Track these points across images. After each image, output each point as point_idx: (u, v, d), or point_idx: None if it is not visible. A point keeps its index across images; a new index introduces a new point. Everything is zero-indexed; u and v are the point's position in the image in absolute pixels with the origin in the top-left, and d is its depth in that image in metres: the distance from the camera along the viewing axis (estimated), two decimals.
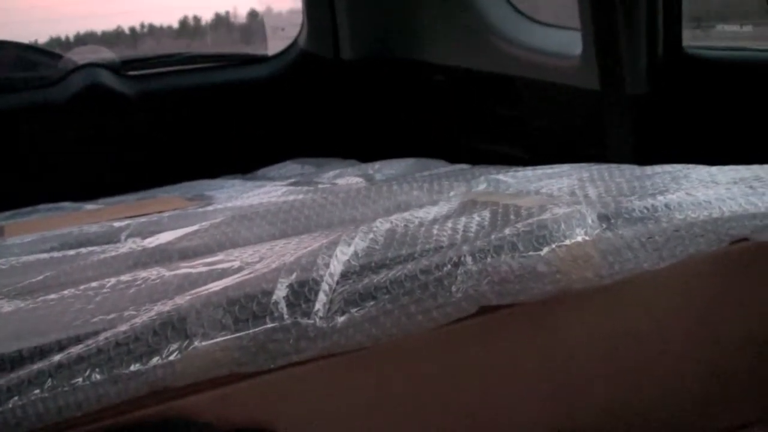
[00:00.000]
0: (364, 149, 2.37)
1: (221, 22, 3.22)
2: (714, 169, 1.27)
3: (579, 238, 1.05)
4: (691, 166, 1.32)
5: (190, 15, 3.11)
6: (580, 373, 1.09)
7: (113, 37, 3.04)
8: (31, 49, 2.61)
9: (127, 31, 3.08)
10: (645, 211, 1.10)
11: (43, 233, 1.62)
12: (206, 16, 3.19)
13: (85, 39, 2.89)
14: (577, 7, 1.81)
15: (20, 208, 2.13)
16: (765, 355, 1.20)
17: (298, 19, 2.63)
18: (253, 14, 2.97)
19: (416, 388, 1.02)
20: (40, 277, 1.18)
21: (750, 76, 1.67)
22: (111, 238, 1.48)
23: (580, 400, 1.09)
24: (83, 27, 2.90)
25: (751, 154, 1.34)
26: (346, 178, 1.94)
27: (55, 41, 2.84)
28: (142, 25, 3.14)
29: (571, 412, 1.08)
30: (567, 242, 1.04)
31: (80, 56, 2.53)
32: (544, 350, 1.08)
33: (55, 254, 1.37)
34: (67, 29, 2.86)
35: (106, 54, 2.60)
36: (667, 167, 1.33)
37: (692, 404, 1.14)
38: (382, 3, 2.51)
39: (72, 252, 1.35)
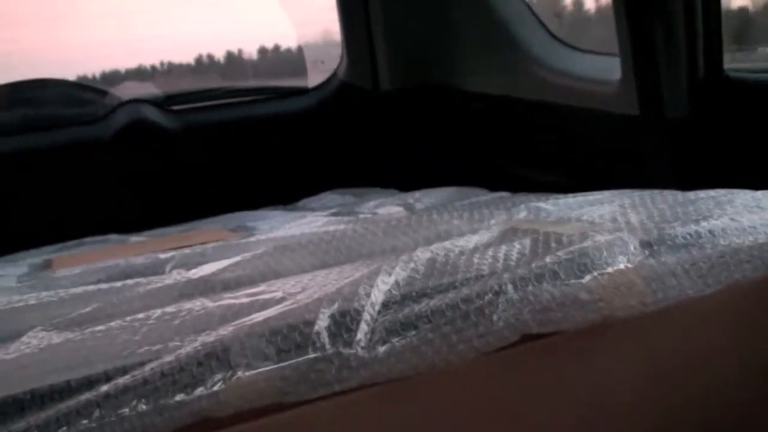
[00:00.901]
0: (403, 179, 2.38)
1: (262, 56, 3.27)
2: (759, 193, 1.26)
3: (621, 266, 1.04)
4: (734, 190, 1.30)
5: (234, 50, 3.17)
6: (623, 403, 1.08)
7: (156, 73, 3.11)
8: (77, 86, 2.68)
9: (167, 67, 3.15)
10: (688, 237, 1.09)
11: (90, 265, 1.66)
12: (248, 51, 3.25)
13: (126, 76, 2.97)
14: (615, 33, 1.80)
15: (67, 241, 2.17)
16: None
17: (337, 51, 2.67)
18: (293, 48, 3.02)
19: (458, 418, 1.01)
20: (88, 309, 1.20)
21: None
22: (156, 269, 1.51)
23: (624, 426, 1.07)
24: (123, 64, 2.98)
25: None
26: (387, 207, 1.95)
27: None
28: (182, 62, 3.21)
29: None
30: (609, 270, 1.04)
31: (125, 92, 2.59)
32: (587, 380, 1.07)
33: (103, 286, 1.39)
34: (103, 66, 2.95)
35: (150, 89, 2.66)
36: (711, 192, 1.32)
37: (738, 428, 1.12)
38: (419, 33, 2.53)
39: (119, 284, 1.37)
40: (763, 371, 1.13)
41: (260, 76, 3.23)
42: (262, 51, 3.23)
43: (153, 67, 3.06)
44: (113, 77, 2.93)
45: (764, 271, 1.09)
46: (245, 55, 3.23)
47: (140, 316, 1.08)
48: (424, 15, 2.52)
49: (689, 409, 1.10)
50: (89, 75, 2.91)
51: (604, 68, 1.94)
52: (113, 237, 2.22)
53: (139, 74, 3.00)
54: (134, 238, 2.17)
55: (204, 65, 3.15)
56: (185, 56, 3.14)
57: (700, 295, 1.06)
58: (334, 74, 2.68)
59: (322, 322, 0.97)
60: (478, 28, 2.35)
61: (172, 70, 3.10)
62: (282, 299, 1.07)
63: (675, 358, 1.10)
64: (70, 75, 2.72)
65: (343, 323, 0.98)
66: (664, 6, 1.68)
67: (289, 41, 3.04)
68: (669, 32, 1.71)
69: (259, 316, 1.00)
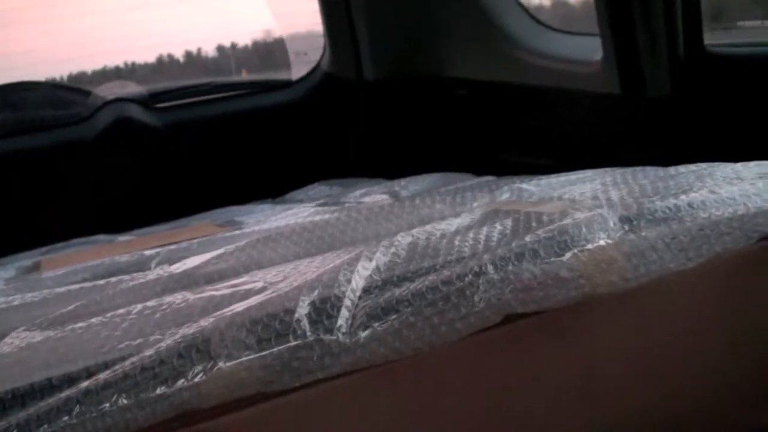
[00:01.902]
0: (390, 168, 2.37)
1: (243, 49, 3.27)
2: (738, 165, 1.25)
3: (601, 242, 1.04)
4: (715, 164, 1.30)
5: (217, 44, 3.17)
6: (607, 379, 1.08)
7: (140, 71, 3.11)
8: (60, 87, 2.67)
9: (154, 62, 3.14)
10: (668, 211, 1.09)
11: (77, 265, 1.65)
12: (228, 44, 3.24)
13: (108, 75, 2.96)
14: (595, 13, 1.80)
15: (55, 243, 2.17)
16: None
17: (320, 42, 2.66)
18: (275, 40, 3.01)
19: (442, 400, 1.01)
20: (71, 307, 1.19)
21: None
22: (141, 266, 1.51)
23: (607, 407, 1.07)
24: (103, 62, 2.98)
25: None
26: (373, 196, 1.95)
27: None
28: (170, 56, 3.20)
29: (598, 420, 1.07)
30: (589, 246, 1.04)
31: (108, 92, 2.58)
32: (571, 358, 1.07)
33: (87, 285, 1.39)
34: (83, 66, 2.94)
35: (134, 88, 2.64)
36: (692, 167, 1.31)
37: (720, 404, 1.11)
38: (401, 21, 2.52)
39: (102, 282, 1.37)
40: (747, 343, 1.13)
41: (244, 69, 3.22)
42: (244, 44, 3.22)
43: (135, 65, 3.06)
44: (95, 76, 2.92)
45: (745, 242, 1.08)
46: (226, 49, 3.23)
47: (121, 311, 1.07)
48: (406, 3, 2.51)
49: (674, 384, 1.10)
50: (66, 75, 2.91)
51: (586, 48, 1.94)
52: (101, 237, 2.22)
53: (122, 72, 3.00)
54: (122, 238, 2.16)
55: (187, 60, 3.14)
56: (173, 51, 3.13)
57: (682, 269, 1.05)
58: (318, 65, 2.67)
59: (303, 310, 0.97)
60: (461, 13, 2.34)
61: (155, 67, 3.09)
62: (263, 289, 1.07)
63: (658, 332, 1.09)
64: (49, 75, 2.72)
65: (324, 310, 0.97)
66: None
67: (271, 33, 3.03)
68: (648, 11, 1.70)
69: (239, 306, 0.99)
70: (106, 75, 2.95)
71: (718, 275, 1.11)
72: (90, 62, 2.99)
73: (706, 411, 1.10)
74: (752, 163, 1.25)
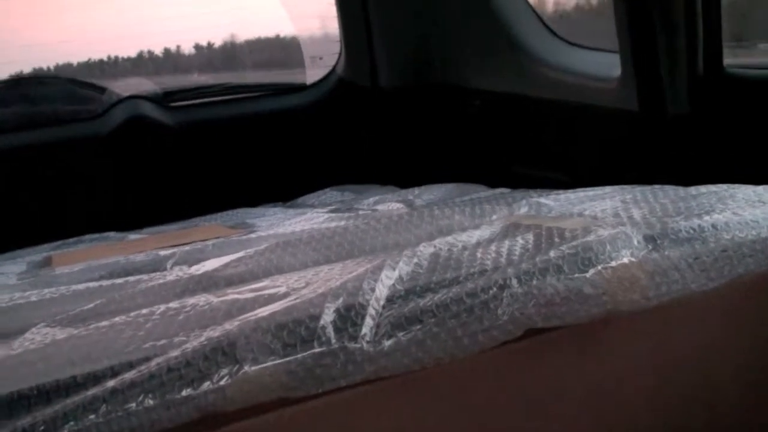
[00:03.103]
0: (402, 175, 2.38)
1: (261, 51, 3.28)
2: (760, 188, 1.26)
3: (625, 260, 1.05)
4: (735, 185, 1.30)
5: (232, 42, 3.19)
6: (626, 396, 1.08)
7: (154, 64, 3.13)
8: (76, 82, 2.68)
9: (166, 58, 3.16)
10: (691, 231, 1.09)
11: (90, 262, 1.66)
12: (247, 44, 3.26)
13: (123, 65, 2.98)
14: (615, 29, 1.81)
15: (67, 239, 2.17)
16: None
17: (336, 47, 2.67)
18: (292, 43, 3.02)
19: (462, 411, 1.02)
20: (91, 305, 1.20)
21: None
22: (157, 266, 1.51)
23: (626, 424, 1.07)
24: (116, 53, 3.00)
25: None
26: (387, 204, 1.95)
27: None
28: (180, 52, 3.22)
29: None
30: (613, 264, 1.04)
31: (123, 88, 2.59)
32: (591, 373, 1.07)
33: (104, 283, 1.39)
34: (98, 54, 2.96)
35: (149, 86, 2.65)
36: (712, 187, 1.32)
37: (739, 425, 1.12)
38: (418, 30, 2.53)
39: (120, 280, 1.37)
40: (762, 364, 1.14)
41: (258, 69, 3.24)
42: (261, 44, 3.23)
43: (151, 57, 3.07)
44: (107, 67, 2.94)
45: (766, 264, 1.09)
46: (245, 48, 3.24)
47: (144, 311, 1.08)
48: (423, 12, 2.52)
49: (693, 403, 1.10)
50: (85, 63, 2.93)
51: (605, 64, 1.94)
52: (112, 234, 2.22)
53: (137, 64, 3.02)
54: (133, 236, 2.17)
55: (203, 57, 3.16)
56: (185, 47, 3.15)
57: (703, 290, 1.06)
58: (333, 71, 2.68)
59: (328, 317, 0.97)
60: (478, 24, 2.35)
61: (170, 61, 3.11)
62: (286, 294, 1.07)
63: (678, 352, 1.10)
64: (63, 64, 2.73)
65: (348, 318, 0.98)
66: (665, 3, 1.69)
67: (287, 35, 3.05)
68: (669, 29, 1.71)
69: (264, 311, 1.00)
70: (119, 66, 2.96)
71: (740, 297, 1.11)
72: (102, 53, 3.02)
73: (720, 426, 1.11)
74: None
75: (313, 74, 2.74)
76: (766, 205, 1.17)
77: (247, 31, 3.11)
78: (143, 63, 3.19)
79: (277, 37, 3.17)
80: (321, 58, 2.77)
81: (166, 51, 3.15)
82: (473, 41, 2.40)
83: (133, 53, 3.16)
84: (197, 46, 3.24)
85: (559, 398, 1.05)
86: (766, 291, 1.12)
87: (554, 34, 2.21)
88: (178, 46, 3.17)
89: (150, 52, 3.19)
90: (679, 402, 1.09)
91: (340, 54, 2.67)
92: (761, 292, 1.12)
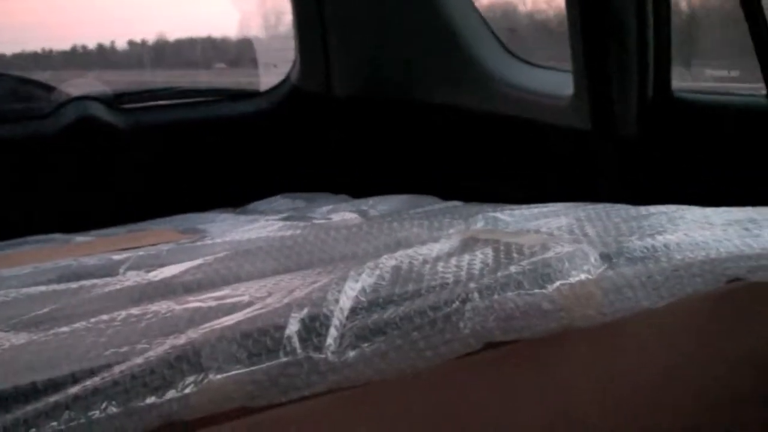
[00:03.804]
0: (354, 185, 2.39)
1: (214, 56, 3.26)
2: (708, 210, 1.31)
3: (582, 276, 1.08)
4: (684, 207, 1.36)
5: (185, 43, 3.17)
6: (580, 408, 1.11)
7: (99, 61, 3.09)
8: (25, 81, 2.62)
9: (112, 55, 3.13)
10: (645, 251, 1.14)
11: (38, 265, 1.62)
12: (198, 46, 3.24)
13: (74, 58, 2.94)
14: (569, 49, 1.85)
15: (10, 240, 2.12)
16: (756, 393, 1.23)
17: (291, 55, 2.67)
18: (246, 51, 3.01)
19: (423, 423, 1.03)
20: (46, 310, 1.18)
21: (737, 120, 1.72)
22: (110, 271, 1.49)
23: None
24: (70, 44, 2.96)
25: (740, 196, 1.38)
26: (341, 213, 1.96)
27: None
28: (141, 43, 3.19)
29: None
30: (571, 280, 1.07)
31: (73, 89, 2.54)
32: (546, 386, 1.10)
33: (56, 287, 1.37)
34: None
35: (99, 87, 2.61)
36: (662, 208, 1.37)
37: None
38: (374, 41, 2.55)
39: (74, 285, 1.35)
40: (710, 379, 1.18)
41: (210, 71, 3.22)
42: (214, 46, 3.22)
43: (96, 52, 3.03)
44: (59, 58, 2.89)
45: (714, 285, 1.14)
46: (197, 50, 3.22)
47: (104, 317, 1.07)
48: (380, 24, 2.54)
49: (641, 415, 1.14)
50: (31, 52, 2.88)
51: (558, 83, 1.99)
52: (58, 236, 2.17)
53: (89, 56, 2.97)
54: (80, 238, 2.13)
55: (156, 56, 3.13)
56: (141, 38, 3.12)
57: (655, 307, 1.10)
58: (287, 78, 2.68)
59: (293, 327, 0.98)
60: (433, 39, 2.38)
61: (117, 58, 3.07)
62: (249, 303, 1.07)
63: (629, 366, 1.14)
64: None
65: (313, 328, 0.99)
66: (618, 26, 1.74)
67: (242, 39, 3.04)
68: (622, 51, 1.77)
69: (229, 320, 1.00)
70: (69, 58, 2.91)
71: (688, 315, 1.16)
72: (56, 43, 2.97)
73: None
74: (721, 209, 1.31)
75: (267, 81, 2.73)
76: (714, 227, 1.22)
77: (201, 33, 3.09)
78: (78, 57, 3.14)
79: (232, 41, 3.16)
80: (275, 66, 2.76)
81: (102, 46, 3.10)
82: (428, 55, 2.43)
83: (66, 47, 3.12)
84: (131, 42, 3.21)
85: (516, 410, 1.08)
86: (713, 310, 1.17)
87: (508, 51, 2.25)
88: (122, 42, 3.13)
89: (84, 47, 3.15)
90: (630, 414, 1.13)
91: (294, 62, 2.67)
92: (709, 310, 1.17)
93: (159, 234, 2.07)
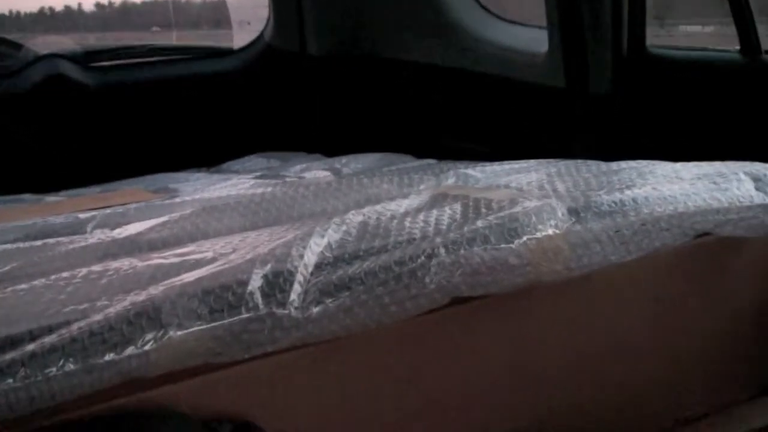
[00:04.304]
0: (329, 144, 2.36)
1: (185, 12, 3.20)
2: (678, 165, 1.30)
3: (550, 231, 1.07)
4: (655, 162, 1.35)
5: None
6: (548, 363, 1.11)
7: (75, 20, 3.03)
8: None
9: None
10: (613, 205, 1.13)
11: (5, 224, 1.60)
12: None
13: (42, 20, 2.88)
14: (544, 6, 1.83)
15: None
16: (725, 346, 1.24)
17: (264, 12, 2.62)
18: (219, 7, 2.96)
19: (389, 378, 1.03)
20: (7, 268, 1.16)
21: (710, 75, 1.71)
22: (76, 229, 1.46)
23: (549, 388, 1.11)
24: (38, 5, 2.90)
25: (711, 151, 1.38)
26: (313, 171, 1.94)
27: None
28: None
29: (540, 400, 1.10)
30: (538, 235, 1.06)
31: (42, 46, 2.49)
32: (514, 341, 1.10)
33: (21, 245, 1.35)
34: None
35: (69, 44, 2.55)
36: (632, 163, 1.36)
37: (657, 393, 1.17)
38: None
39: (38, 243, 1.33)
40: (678, 332, 1.18)
41: (182, 34, 3.16)
42: (188, 4, 3.16)
43: (65, 12, 2.97)
44: (26, 20, 2.83)
45: (682, 239, 1.13)
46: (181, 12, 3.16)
47: (65, 275, 1.05)
48: None
49: (610, 369, 1.14)
50: None
51: (532, 40, 1.97)
52: (27, 196, 2.14)
53: (58, 17, 2.91)
54: (50, 198, 2.10)
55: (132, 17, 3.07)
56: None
57: (623, 261, 1.09)
58: (261, 36, 2.63)
59: (255, 283, 0.96)
60: None
61: (86, 14, 3.01)
62: (213, 260, 1.06)
63: (597, 320, 1.13)
64: None
65: (276, 284, 0.97)
66: None
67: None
68: (595, 9, 1.74)
69: (190, 276, 0.98)
70: (39, 20, 2.85)
71: (655, 269, 1.15)
72: (24, 4, 2.91)
73: (638, 396, 1.15)
74: (691, 164, 1.30)
75: (240, 39, 2.68)
76: (683, 181, 1.21)
77: None
78: (46, 19, 3.07)
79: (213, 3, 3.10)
80: (249, 23, 2.71)
81: (69, 7, 3.04)
82: (403, 13, 2.39)
83: (34, 8, 3.06)
84: (98, 4, 3.15)
85: (483, 364, 1.08)
86: (681, 264, 1.17)
87: (484, 8, 2.22)
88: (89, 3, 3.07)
89: (51, 9, 3.09)
90: (599, 369, 1.13)
91: (268, 19, 2.62)
92: (677, 265, 1.17)
93: (130, 193, 2.04)
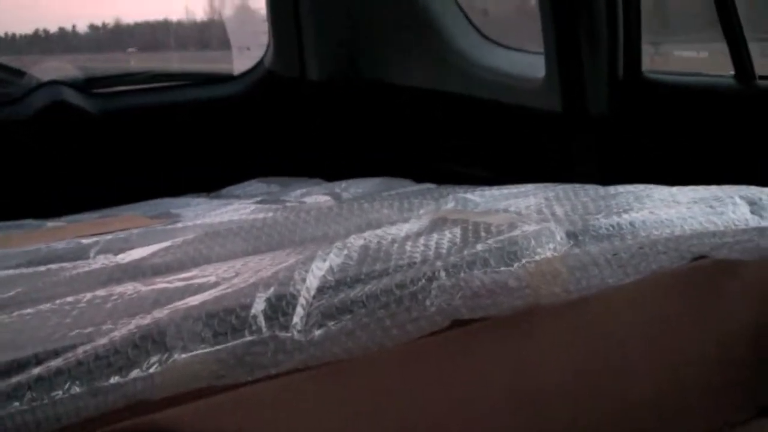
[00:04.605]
0: (329, 169, 2.38)
1: (187, 40, 3.24)
2: (674, 189, 1.32)
3: (548, 254, 1.09)
4: (652, 186, 1.37)
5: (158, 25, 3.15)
6: (547, 383, 1.12)
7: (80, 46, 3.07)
8: None
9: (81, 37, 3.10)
10: (611, 228, 1.14)
11: (7, 250, 1.61)
12: (172, 29, 3.22)
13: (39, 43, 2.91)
14: (541, 32, 1.86)
15: None
16: (721, 368, 1.25)
17: (264, 39, 2.65)
18: (219, 34, 2.99)
19: (390, 400, 1.04)
20: (12, 293, 1.17)
21: (704, 100, 1.74)
22: (79, 254, 1.48)
23: (548, 408, 1.11)
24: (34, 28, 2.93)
25: (706, 175, 1.40)
26: (314, 196, 1.96)
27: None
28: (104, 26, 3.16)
29: (539, 421, 1.11)
30: (537, 258, 1.08)
31: (44, 73, 2.52)
32: (513, 362, 1.11)
33: (24, 270, 1.36)
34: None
35: (71, 71, 2.58)
36: (629, 187, 1.38)
37: (654, 413, 1.18)
38: (348, 24, 2.54)
39: (42, 268, 1.34)
40: (675, 355, 1.19)
41: (183, 61, 3.20)
42: (188, 29, 3.19)
43: (60, 34, 3.00)
44: (23, 42, 2.86)
45: (679, 262, 1.15)
46: (170, 33, 3.19)
47: (70, 299, 1.06)
48: (353, 6, 2.53)
49: (607, 391, 1.15)
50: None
51: (530, 65, 2.00)
52: (29, 222, 2.16)
53: (54, 39, 2.94)
54: (51, 223, 2.11)
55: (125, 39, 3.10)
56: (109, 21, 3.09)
57: (620, 284, 1.11)
58: (261, 62, 2.66)
59: (259, 306, 0.98)
60: (406, 22, 2.38)
61: (88, 40, 3.04)
62: (216, 284, 1.07)
63: (595, 343, 1.15)
64: None
65: (279, 307, 0.99)
66: (589, 7, 1.75)
67: (215, 24, 3.02)
68: (592, 32, 1.77)
69: (194, 300, 1.00)
70: (36, 42, 2.88)
71: (653, 292, 1.17)
72: (20, 28, 2.94)
73: (635, 418, 1.16)
74: (687, 188, 1.32)
75: (241, 65, 2.71)
76: (679, 205, 1.23)
77: (173, 16, 3.06)
78: (41, 41, 3.11)
79: (204, 24, 3.14)
80: (248, 49, 2.74)
81: (63, 29, 3.07)
82: (402, 39, 2.42)
83: (29, 31, 3.10)
84: (92, 26, 3.19)
85: (483, 387, 1.09)
86: (678, 287, 1.18)
87: (480, 33, 2.25)
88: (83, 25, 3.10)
89: (46, 31, 3.13)
90: (596, 391, 1.14)
91: (268, 45, 2.66)
92: (673, 287, 1.18)
93: (130, 219, 2.05)
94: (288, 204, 1.88)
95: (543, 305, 1.08)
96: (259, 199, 2.11)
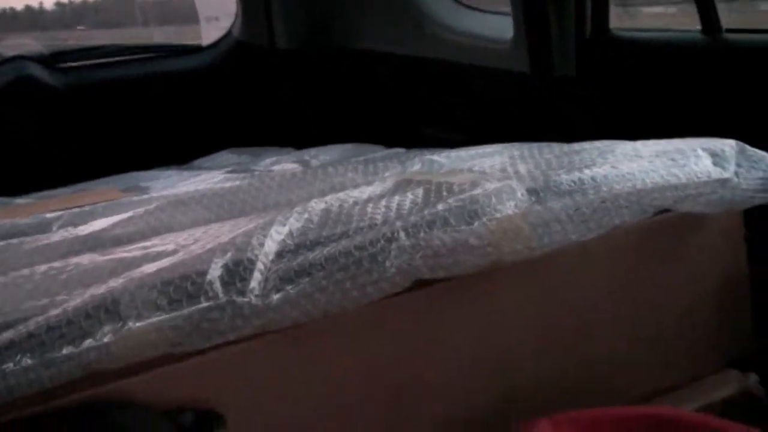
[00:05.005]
0: (300, 138, 2.36)
1: (154, 14, 3.19)
2: (638, 143, 1.31)
3: (509, 212, 1.08)
4: (616, 141, 1.35)
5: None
6: (512, 343, 1.12)
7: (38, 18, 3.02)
8: None
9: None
10: (572, 184, 1.13)
11: None
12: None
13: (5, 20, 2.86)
14: None
15: None
16: (688, 321, 1.25)
17: (232, 8, 2.61)
18: (187, 6, 2.95)
19: (352, 363, 1.03)
20: None
21: (672, 55, 1.72)
22: (43, 228, 1.46)
23: (512, 369, 1.11)
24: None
25: (676, 129, 1.39)
26: (283, 164, 1.94)
27: None
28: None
29: (504, 381, 1.11)
30: (498, 216, 1.07)
31: (7, 48, 2.47)
32: (477, 322, 1.10)
33: None
34: None
35: (35, 46, 2.54)
36: (595, 143, 1.36)
37: (622, 369, 1.17)
38: None
39: (2, 243, 1.32)
40: (639, 308, 1.19)
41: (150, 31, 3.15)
42: (155, 2, 3.15)
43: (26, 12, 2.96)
44: None
45: (642, 216, 1.14)
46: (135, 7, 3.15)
47: (25, 272, 1.04)
48: None
49: (573, 347, 1.15)
50: None
51: (498, 27, 1.97)
52: None
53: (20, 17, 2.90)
54: (20, 200, 2.08)
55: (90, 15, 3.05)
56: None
57: (583, 240, 1.10)
58: (229, 32, 2.63)
59: (215, 272, 0.97)
60: None
61: (53, 18, 3.00)
62: (174, 251, 1.06)
63: (559, 299, 1.14)
64: None
65: (237, 272, 0.97)
66: None
67: None
68: None
69: (150, 268, 0.98)
70: (1, 20, 2.83)
71: (615, 246, 1.16)
72: None
73: (602, 373, 1.16)
74: (650, 142, 1.31)
75: (209, 35, 2.67)
76: (642, 158, 1.22)
77: None
78: (7, 19, 3.06)
79: None
80: (217, 19, 2.70)
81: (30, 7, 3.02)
82: (372, 4, 2.39)
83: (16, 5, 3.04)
84: (58, 3, 3.13)
85: (447, 347, 1.08)
86: (641, 241, 1.18)
87: None
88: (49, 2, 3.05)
89: (12, 9, 3.07)
90: (562, 347, 1.14)
91: (236, 15, 2.62)
92: (636, 241, 1.17)
93: (100, 193, 2.03)
94: (256, 173, 1.86)
95: (505, 263, 1.07)
96: (229, 169, 2.09)
